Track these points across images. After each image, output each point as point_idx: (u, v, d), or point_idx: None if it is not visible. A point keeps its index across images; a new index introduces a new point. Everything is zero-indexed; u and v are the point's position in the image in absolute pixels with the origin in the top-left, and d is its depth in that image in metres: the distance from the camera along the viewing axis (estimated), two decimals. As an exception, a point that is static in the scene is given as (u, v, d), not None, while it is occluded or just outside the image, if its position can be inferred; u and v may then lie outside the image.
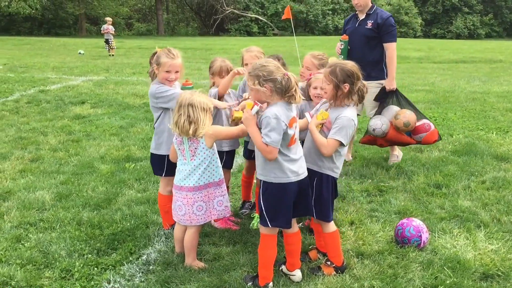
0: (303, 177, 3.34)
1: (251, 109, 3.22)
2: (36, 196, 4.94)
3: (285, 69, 4.14)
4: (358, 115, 6.24)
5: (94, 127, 7.95)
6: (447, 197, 5.05)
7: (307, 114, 3.62)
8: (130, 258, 3.78)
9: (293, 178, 3.27)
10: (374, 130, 5.64)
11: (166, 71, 3.91)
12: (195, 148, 3.52)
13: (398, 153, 6.29)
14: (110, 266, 3.66)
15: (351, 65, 3.47)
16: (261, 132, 3.19)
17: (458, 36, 54.33)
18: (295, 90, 3.18)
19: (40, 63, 17.35)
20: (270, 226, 3.33)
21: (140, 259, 3.78)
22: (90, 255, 3.78)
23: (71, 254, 3.81)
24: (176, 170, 3.63)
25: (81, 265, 3.63)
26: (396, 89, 5.90)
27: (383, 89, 5.87)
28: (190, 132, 3.43)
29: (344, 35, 6.00)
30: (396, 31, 5.94)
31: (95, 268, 3.62)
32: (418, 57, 23.29)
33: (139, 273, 3.59)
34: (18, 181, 5.42)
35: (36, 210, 4.64)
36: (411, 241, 3.95)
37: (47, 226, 4.30)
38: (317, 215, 3.60)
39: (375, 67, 5.90)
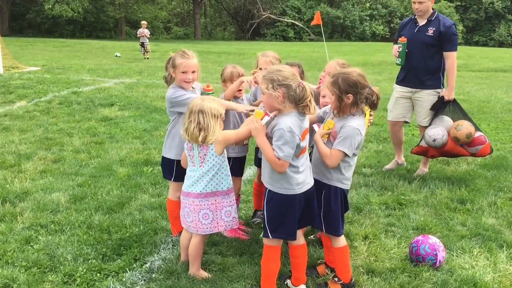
0: (309, 187, 3.23)
1: (261, 119, 3.14)
2: (51, 198, 4.98)
3: (303, 78, 4.07)
4: (406, 122, 6.11)
5: (118, 129, 8.02)
6: (471, 213, 4.81)
7: (315, 126, 3.50)
8: (134, 265, 3.74)
9: (300, 190, 3.17)
10: (434, 140, 5.44)
11: (183, 72, 3.86)
12: (205, 155, 3.45)
13: (426, 169, 6.07)
14: (113, 273, 3.63)
15: (356, 74, 3.31)
16: (271, 143, 3.10)
17: (501, 44, 52.61)
18: (310, 100, 3.07)
19: (77, 65, 17.74)
20: (270, 237, 3.23)
21: (144, 266, 3.73)
22: (94, 260, 3.76)
23: (76, 258, 3.80)
24: (186, 176, 3.57)
25: (84, 270, 3.61)
26: (454, 99, 5.71)
27: (441, 99, 5.69)
28: (200, 139, 3.37)
29: (403, 37, 5.81)
30: (457, 40, 5.73)
31: (98, 274, 3.59)
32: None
33: (141, 281, 3.54)
34: (37, 181, 5.49)
35: (50, 212, 4.67)
36: (426, 259, 3.76)
37: (58, 228, 4.31)
38: (326, 229, 3.47)
39: (432, 75, 5.75)
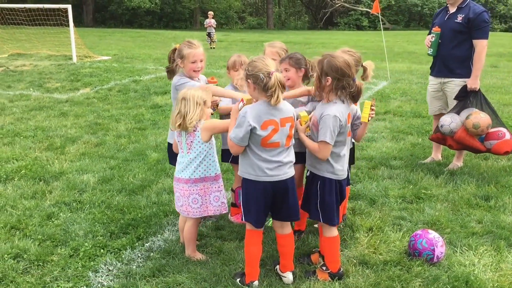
0: (277, 179, 3.25)
1: (239, 103, 3.27)
2: (82, 179, 5.35)
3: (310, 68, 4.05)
4: (443, 113, 5.87)
5: (163, 116, 8.37)
6: (491, 210, 4.59)
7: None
8: (136, 244, 3.96)
9: (264, 178, 3.22)
10: (442, 126, 5.32)
11: (192, 62, 4.02)
12: (191, 142, 3.58)
13: (460, 163, 5.83)
14: (116, 249, 3.87)
15: (342, 60, 3.27)
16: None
17: None
18: (275, 90, 3.11)
19: (145, 55, 18.54)
20: (243, 219, 3.36)
21: (145, 245, 3.94)
22: (102, 237, 4.03)
23: (87, 234, 4.09)
24: (177, 162, 3.73)
25: (90, 245, 3.88)
26: (479, 90, 5.47)
27: (464, 87, 5.48)
28: (177, 124, 3.50)
29: (437, 27, 5.66)
30: (489, 27, 5.49)
31: (101, 250, 3.85)
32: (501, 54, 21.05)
33: (139, 259, 3.76)
34: (74, 163, 5.90)
35: (77, 191, 5.03)
36: (423, 254, 3.67)
37: (79, 207, 4.65)
38: (323, 219, 3.48)
39: (461, 64, 5.54)
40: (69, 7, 16.26)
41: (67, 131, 7.39)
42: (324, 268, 3.55)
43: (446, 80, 5.64)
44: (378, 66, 16.65)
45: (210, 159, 3.65)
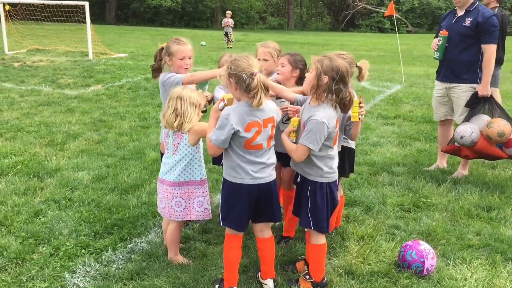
0: (262, 181, 3.15)
1: (219, 103, 3.16)
2: (77, 176, 5.30)
3: (306, 70, 3.93)
4: (449, 120, 5.67)
5: (168, 115, 8.29)
6: (492, 222, 4.39)
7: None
8: (119, 245, 3.88)
9: (248, 180, 3.11)
10: (462, 138, 5.08)
11: (181, 59, 3.91)
12: (178, 143, 3.49)
13: (465, 172, 5.62)
14: (98, 250, 3.80)
15: (342, 63, 3.14)
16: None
17: None
18: (258, 92, 2.99)
19: (160, 53, 18.54)
20: (221, 224, 3.24)
21: (127, 247, 3.86)
22: (85, 237, 3.96)
23: (71, 233, 4.03)
24: (162, 162, 3.64)
25: (72, 245, 3.82)
26: (491, 96, 5.27)
27: (475, 94, 5.28)
28: (175, 125, 3.42)
29: (444, 30, 5.48)
30: (498, 32, 5.28)
31: (83, 250, 3.78)
32: None
33: (120, 260, 3.68)
34: (72, 160, 5.87)
35: (69, 188, 4.98)
36: (412, 266, 3.51)
37: (68, 204, 4.59)
38: (315, 226, 3.34)
39: (468, 69, 5.34)
40: (86, 4, 16.36)
41: (71, 127, 7.38)
42: (307, 277, 3.42)
43: (452, 85, 5.44)
44: (394, 69, 16.41)
45: (196, 163, 3.55)
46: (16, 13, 19.16)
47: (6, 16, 17.59)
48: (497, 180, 5.44)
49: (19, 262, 3.59)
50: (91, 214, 4.37)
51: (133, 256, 3.73)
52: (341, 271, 3.57)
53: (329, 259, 3.75)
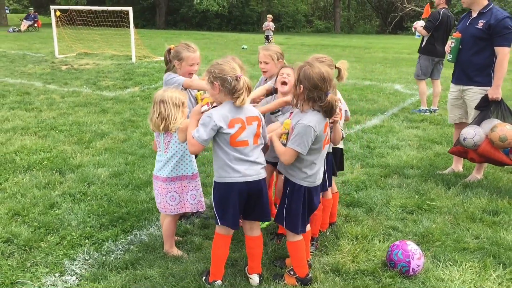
0: (251, 180, 3.25)
1: (202, 105, 3.30)
2: (96, 172, 5.60)
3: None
4: (464, 123, 5.64)
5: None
6: (493, 226, 4.32)
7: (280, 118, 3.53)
8: (120, 236, 4.11)
9: (238, 178, 3.22)
10: (464, 139, 5.07)
11: (190, 65, 4.19)
12: (169, 141, 3.68)
13: (480, 176, 5.53)
14: (100, 240, 4.04)
15: (317, 71, 3.19)
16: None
17: None
18: (243, 93, 3.15)
19: (202, 56, 18.93)
20: (219, 223, 3.34)
21: (127, 238, 4.08)
22: (90, 228, 4.22)
23: (78, 224, 4.29)
24: (156, 160, 3.84)
25: (77, 235, 4.08)
26: (502, 99, 5.20)
27: (485, 97, 5.22)
28: (161, 127, 3.61)
29: (457, 32, 5.47)
30: (511, 34, 5.16)
31: (86, 240, 4.03)
32: None
33: (119, 251, 3.90)
34: (95, 157, 6.19)
35: (87, 183, 5.28)
36: (398, 266, 3.54)
37: (82, 198, 4.88)
38: (287, 225, 3.45)
39: (480, 71, 5.29)
40: (130, 9, 16.97)
41: (100, 127, 7.75)
42: (291, 272, 3.51)
43: (465, 87, 5.38)
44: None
45: (187, 159, 3.73)
46: (66, 19, 20.14)
47: (56, 22, 18.52)
48: (511, 184, 5.31)
49: (27, 249, 3.88)
50: (100, 207, 4.63)
51: (131, 247, 3.95)
52: (327, 268, 3.64)
53: (320, 257, 3.83)
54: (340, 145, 4.08)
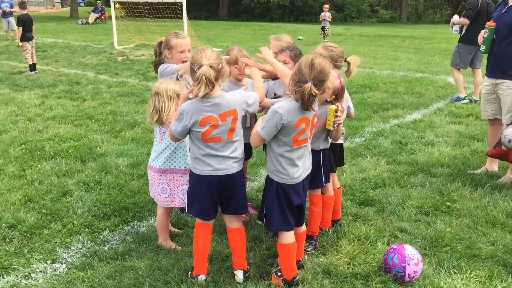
0: (222, 174, 3.17)
1: (191, 91, 3.25)
2: (116, 162, 5.68)
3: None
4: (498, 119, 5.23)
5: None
6: (515, 233, 3.94)
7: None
8: (119, 227, 4.13)
9: (208, 172, 3.16)
10: (510, 141, 4.69)
11: (180, 52, 4.07)
12: (164, 132, 3.64)
13: None
14: (99, 229, 4.08)
15: (310, 57, 2.98)
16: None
17: None
18: (199, 83, 2.98)
19: (254, 47, 18.91)
20: (186, 211, 3.37)
21: (124, 229, 4.09)
22: (92, 217, 4.27)
23: (83, 213, 4.36)
24: (152, 150, 3.81)
25: (78, 224, 4.14)
26: None
27: None
28: (154, 120, 3.58)
29: (491, 21, 5.08)
30: None
31: (86, 229, 4.09)
32: None
33: (115, 241, 3.92)
34: (120, 147, 6.29)
35: (104, 172, 5.36)
36: (393, 270, 3.32)
37: (94, 187, 4.96)
38: (265, 222, 3.32)
39: None
40: (184, 1, 17.18)
41: (134, 116, 7.88)
42: (278, 273, 3.37)
43: (499, 81, 4.95)
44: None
45: (180, 152, 3.69)
46: (126, 12, 20.75)
47: (116, 14, 19.12)
48: (548, 187, 4.85)
49: (28, 235, 3.99)
50: (108, 196, 4.68)
51: (127, 238, 3.95)
52: (319, 269, 3.47)
53: (315, 257, 3.66)
54: (340, 141, 3.87)
